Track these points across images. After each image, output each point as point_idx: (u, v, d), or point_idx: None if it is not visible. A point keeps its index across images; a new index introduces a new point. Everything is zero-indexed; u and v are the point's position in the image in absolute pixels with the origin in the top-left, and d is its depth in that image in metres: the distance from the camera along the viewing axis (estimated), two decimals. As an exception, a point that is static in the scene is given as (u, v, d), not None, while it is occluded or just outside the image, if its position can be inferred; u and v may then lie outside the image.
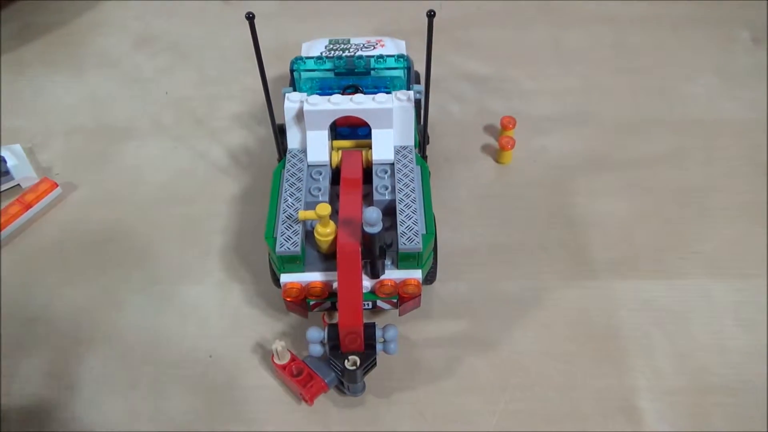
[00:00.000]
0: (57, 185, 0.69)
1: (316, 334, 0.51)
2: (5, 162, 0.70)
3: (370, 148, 0.58)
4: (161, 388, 0.55)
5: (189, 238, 0.66)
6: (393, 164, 0.57)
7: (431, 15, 0.48)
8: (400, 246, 0.50)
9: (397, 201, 0.54)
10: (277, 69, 0.79)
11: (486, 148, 0.73)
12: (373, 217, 0.46)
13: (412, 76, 0.61)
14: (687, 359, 0.56)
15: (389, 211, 0.54)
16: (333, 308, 0.54)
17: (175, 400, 0.54)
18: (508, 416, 0.53)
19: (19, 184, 0.70)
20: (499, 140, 0.71)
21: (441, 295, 0.59)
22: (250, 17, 0.48)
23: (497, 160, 0.72)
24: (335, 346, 0.50)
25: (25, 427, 0.53)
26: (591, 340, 0.57)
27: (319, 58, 0.60)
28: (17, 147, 0.73)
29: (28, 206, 0.67)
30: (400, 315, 0.55)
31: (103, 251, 0.65)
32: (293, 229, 0.52)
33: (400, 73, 0.60)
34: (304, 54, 0.64)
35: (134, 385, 0.55)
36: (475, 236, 0.65)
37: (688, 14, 0.89)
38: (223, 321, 0.59)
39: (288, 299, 0.52)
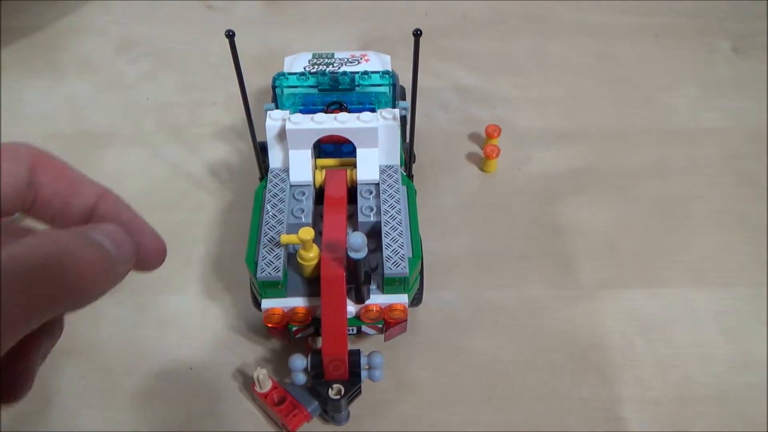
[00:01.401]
0: (34, 192, 0.68)
1: (299, 362, 0.50)
2: (-20, 169, 0.68)
3: (355, 166, 0.57)
4: (139, 400, 0.54)
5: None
6: (378, 184, 0.56)
7: (417, 34, 0.47)
8: (385, 271, 0.50)
9: (382, 223, 0.53)
10: (261, 77, 0.78)
11: (471, 157, 0.73)
12: (357, 242, 0.46)
13: (397, 92, 0.61)
14: (670, 368, 0.56)
15: (374, 233, 0.53)
16: (316, 334, 0.53)
17: (154, 414, 0.53)
18: (493, 427, 0.53)
19: (-6, 192, 0.69)
20: (484, 149, 0.70)
21: (425, 304, 0.59)
22: (230, 35, 0.46)
23: (482, 169, 0.72)
24: (319, 374, 0.49)
25: (-2, 443, 0.52)
26: (575, 350, 0.57)
27: (302, 74, 0.59)
28: (-7, 153, 0.72)
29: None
30: (385, 341, 0.55)
31: (81, 260, 0.64)
32: (275, 253, 0.51)
33: (385, 89, 0.60)
34: (286, 69, 0.63)
35: (111, 397, 0.54)
36: (460, 244, 0.65)
37: (670, 25, 0.89)
38: (202, 340, 0.58)
39: (269, 325, 0.51)
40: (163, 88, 0.82)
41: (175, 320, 0.59)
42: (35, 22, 0.90)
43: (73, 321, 0.59)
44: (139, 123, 0.78)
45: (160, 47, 0.87)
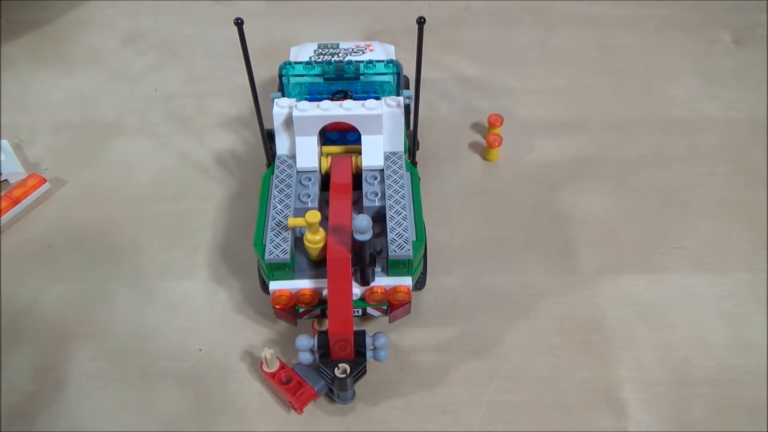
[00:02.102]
0: (45, 181, 0.69)
1: (305, 341, 0.51)
2: (-7, 157, 0.70)
3: (360, 153, 0.58)
4: (150, 381, 0.55)
5: (177, 234, 0.66)
6: (383, 170, 0.57)
7: (421, 22, 0.48)
8: (390, 253, 0.51)
9: (386, 208, 0.54)
10: (265, 68, 0.79)
11: (473, 146, 0.74)
12: (363, 224, 0.47)
13: (401, 82, 0.62)
14: (669, 351, 0.57)
15: (379, 218, 0.55)
16: (323, 315, 0.54)
17: (164, 395, 0.54)
18: (495, 407, 0.54)
19: (6, 180, 0.70)
20: (486, 138, 0.72)
21: (428, 289, 0.60)
22: (239, 23, 0.47)
23: (484, 158, 0.73)
24: (325, 354, 0.50)
25: (12, 422, 0.53)
26: (576, 333, 0.58)
27: (308, 63, 0.60)
28: (4, 142, 0.73)
29: (16, 201, 0.67)
30: (390, 322, 0.56)
31: (92, 246, 0.65)
32: (282, 236, 0.52)
33: (389, 78, 0.61)
34: (292, 58, 0.64)
35: (122, 379, 0.56)
36: (463, 231, 0.66)
37: (672, 16, 0.90)
38: (210, 323, 0.59)
39: (277, 307, 0.52)
40: (170, 79, 0.83)
41: (184, 304, 0.60)
42: (44, 15, 0.92)
43: (86, 305, 0.61)
44: (146, 113, 0.79)
45: (167, 39, 0.88)
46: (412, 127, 0.59)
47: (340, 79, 0.61)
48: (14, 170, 0.70)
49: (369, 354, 0.51)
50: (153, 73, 0.84)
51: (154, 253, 0.64)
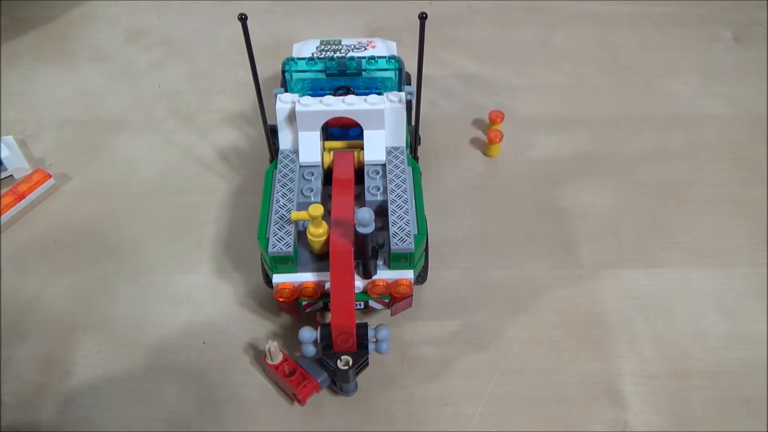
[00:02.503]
0: (50, 176, 0.70)
1: (308, 334, 0.51)
2: (-2, 153, 0.70)
3: (362, 148, 0.58)
4: (154, 372, 0.56)
5: (181, 229, 0.67)
6: (385, 165, 0.58)
7: (423, 17, 0.48)
8: (392, 247, 0.51)
9: (388, 202, 0.54)
10: (268, 66, 0.80)
11: (474, 142, 0.75)
12: (365, 218, 0.47)
13: (403, 77, 0.62)
14: (668, 345, 0.57)
15: (381, 212, 0.55)
16: (325, 308, 0.55)
17: (168, 386, 0.55)
18: (495, 399, 0.54)
19: (12, 175, 0.71)
20: (487, 133, 0.72)
21: (430, 283, 0.60)
22: (243, 18, 0.48)
23: (485, 153, 0.74)
24: (328, 346, 0.51)
25: (19, 412, 0.54)
26: (576, 327, 0.59)
27: (311, 59, 0.61)
28: (9, 138, 0.74)
29: (21, 197, 0.67)
30: (391, 315, 0.56)
31: (96, 241, 0.66)
32: (285, 230, 0.52)
33: (391, 74, 0.61)
34: (295, 55, 0.64)
35: (127, 371, 0.56)
36: (464, 226, 0.66)
37: (672, 13, 0.91)
38: (214, 316, 0.60)
39: (280, 299, 0.53)
40: (173, 76, 0.84)
41: (188, 298, 0.61)
42: (47, 13, 0.92)
43: (91, 298, 0.61)
44: (150, 110, 0.79)
45: (170, 36, 0.89)
46: (413, 123, 0.59)
47: (343, 75, 0.61)
48: (19, 166, 0.71)
49: (371, 346, 0.52)
50: (156, 70, 0.84)
51: (158, 248, 0.65)
